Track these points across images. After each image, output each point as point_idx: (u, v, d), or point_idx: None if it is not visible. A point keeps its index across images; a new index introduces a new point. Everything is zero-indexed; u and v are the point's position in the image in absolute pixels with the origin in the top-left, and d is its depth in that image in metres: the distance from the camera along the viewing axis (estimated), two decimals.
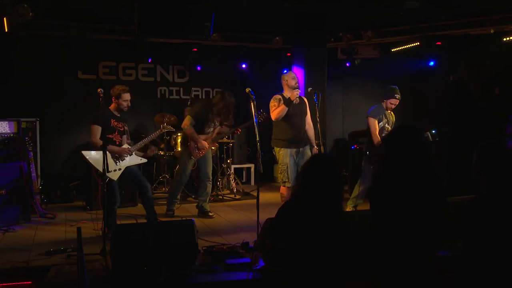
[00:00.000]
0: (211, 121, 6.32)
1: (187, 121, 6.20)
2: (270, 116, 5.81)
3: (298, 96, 5.67)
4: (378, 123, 6.09)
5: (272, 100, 5.81)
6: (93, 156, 5.08)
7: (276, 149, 5.79)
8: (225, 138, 8.29)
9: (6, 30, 6.41)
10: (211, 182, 6.51)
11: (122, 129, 5.42)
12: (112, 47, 8.25)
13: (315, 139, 5.75)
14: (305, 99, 5.99)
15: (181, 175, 6.41)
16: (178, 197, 6.52)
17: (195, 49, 8.47)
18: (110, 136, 5.32)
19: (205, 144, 6.23)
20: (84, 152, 5.15)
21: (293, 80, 5.77)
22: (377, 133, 6.03)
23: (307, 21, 7.70)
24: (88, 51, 8.03)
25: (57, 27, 7.31)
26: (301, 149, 5.75)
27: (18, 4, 6.12)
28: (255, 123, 4.95)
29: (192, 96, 9.17)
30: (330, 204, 2.92)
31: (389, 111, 6.23)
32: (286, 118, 5.69)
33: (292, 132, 5.70)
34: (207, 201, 6.55)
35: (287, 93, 5.79)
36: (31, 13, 6.16)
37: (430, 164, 2.67)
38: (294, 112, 5.73)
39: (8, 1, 6.10)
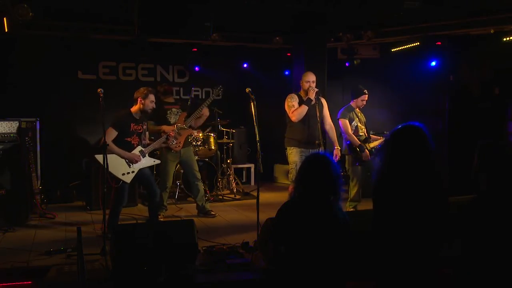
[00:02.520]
0: (168, 110, 6.25)
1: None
2: (289, 116, 5.70)
3: (316, 96, 5.61)
4: (350, 123, 6.10)
5: (288, 99, 5.71)
6: (108, 159, 4.97)
7: (288, 148, 5.75)
8: (224, 138, 8.30)
9: (6, 30, 6.41)
10: (201, 181, 6.45)
11: (140, 131, 5.42)
12: (112, 47, 8.24)
13: (316, 139, 5.71)
14: (323, 100, 5.88)
15: (162, 179, 6.25)
16: (165, 203, 6.27)
17: (195, 49, 8.47)
18: (129, 139, 5.31)
19: (171, 127, 6.02)
20: (97, 156, 5.10)
21: (306, 84, 5.70)
22: (351, 132, 6.04)
23: (307, 21, 7.70)
24: (88, 51, 8.05)
25: (57, 27, 7.30)
26: (310, 150, 5.65)
27: (18, 4, 6.12)
28: (255, 124, 4.94)
29: (192, 96, 9.16)
30: (328, 203, 2.92)
31: (358, 109, 6.23)
32: (302, 118, 5.64)
33: (306, 133, 5.64)
34: (205, 201, 6.55)
35: (302, 93, 5.74)
36: (31, 13, 6.16)
37: (433, 163, 2.66)
38: (310, 112, 5.66)
39: (8, 1, 6.10)
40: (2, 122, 6.35)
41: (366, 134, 6.18)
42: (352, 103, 6.23)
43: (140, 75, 8.90)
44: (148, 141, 5.61)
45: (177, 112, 6.31)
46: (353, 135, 6.05)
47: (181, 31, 6.70)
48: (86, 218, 6.32)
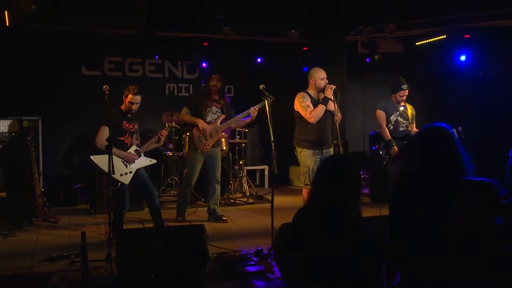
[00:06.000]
0: (208, 107, 6.30)
1: (182, 111, 6.29)
2: (302, 115, 5.62)
3: (333, 93, 5.58)
4: (389, 117, 6.15)
5: (300, 99, 5.63)
6: (103, 160, 4.99)
7: (298, 149, 5.71)
8: (237, 138, 8.30)
9: (8, 24, 6.48)
10: (219, 184, 6.52)
11: (132, 130, 5.49)
12: (117, 41, 8.30)
13: (335, 139, 5.70)
14: (333, 98, 5.81)
15: (189, 175, 6.39)
16: (188, 199, 6.52)
17: (206, 43, 8.49)
18: (122, 138, 5.37)
19: (206, 126, 6.14)
20: (93, 157, 5.17)
21: (322, 81, 5.64)
22: (385, 125, 6.12)
23: (325, 13, 7.68)
24: (93, 46, 8.11)
25: (60, 21, 7.37)
26: (325, 151, 5.62)
27: None
28: (270, 123, 4.94)
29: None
30: (346, 208, 2.90)
31: (403, 104, 6.24)
32: None
33: (318, 133, 5.60)
34: (218, 205, 6.58)
35: (312, 91, 5.73)
36: (33, 6, 6.22)
37: (459, 168, 2.61)
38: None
39: None
40: (2, 120, 6.41)
41: (409, 129, 6.16)
42: (393, 98, 6.26)
43: (147, 71, 8.96)
44: (139, 142, 5.64)
45: (216, 112, 6.35)
46: (385, 128, 6.12)
47: (191, 25, 6.72)
48: (91, 222, 6.37)
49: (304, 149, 5.65)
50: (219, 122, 6.30)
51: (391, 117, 6.15)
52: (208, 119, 6.27)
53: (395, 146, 6.01)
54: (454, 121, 7.44)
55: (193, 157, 6.33)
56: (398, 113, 6.17)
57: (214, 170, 6.42)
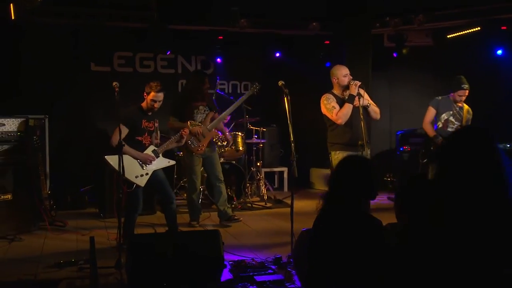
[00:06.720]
0: (195, 108, 6.36)
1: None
2: (330, 117, 5.57)
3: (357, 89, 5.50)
4: (441, 115, 6.30)
5: (324, 101, 5.60)
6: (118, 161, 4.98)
7: (332, 153, 5.67)
8: (254, 138, 8.30)
9: (13, 18, 6.56)
10: (223, 183, 6.56)
11: (152, 128, 5.51)
12: (128, 35, 8.35)
13: (360, 140, 5.63)
14: (362, 90, 5.63)
15: (191, 181, 6.47)
16: (199, 205, 6.55)
17: (221, 37, 8.50)
18: (140, 138, 5.40)
19: (198, 129, 6.18)
20: (108, 157, 5.17)
21: (345, 78, 5.59)
22: (429, 122, 6.34)
23: (348, 3, 7.63)
24: (102, 40, 8.18)
25: (67, 14, 7.43)
26: (360, 153, 5.57)
27: None
28: (289, 122, 4.92)
29: (218, 88, 9.19)
30: (363, 212, 2.88)
31: (460, 105, 6.34)
32: None
33: (350, 134, 5.54)
34: (228, 207, 6.61)
35: (337, 90, 5.68)
36: None
37: (499, 175, 2.54)
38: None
39: None
40: (8, 119, 6.48)
41: None
42: (451, 97, 6.38)
43: (159, 66, 9.01)
44: (159, 141, 5.67)
45: (204, 111, 6.42)
46: (429, 125, 6.35)
47: (206, 17, 6.73)
48: (100, 226, 6.42)
49: (337, 152, 5.58)
50: (209, 120, 6.36)
51: (442, 115, 6.31)
52: (198, 120, 6.34)
53: (440, 138, 6.12)
54: (489, 118, 7.39)
55: (190, 162, 6.40)
56: (451, 112, 6.31)
57: (215, 170, 6.48)
